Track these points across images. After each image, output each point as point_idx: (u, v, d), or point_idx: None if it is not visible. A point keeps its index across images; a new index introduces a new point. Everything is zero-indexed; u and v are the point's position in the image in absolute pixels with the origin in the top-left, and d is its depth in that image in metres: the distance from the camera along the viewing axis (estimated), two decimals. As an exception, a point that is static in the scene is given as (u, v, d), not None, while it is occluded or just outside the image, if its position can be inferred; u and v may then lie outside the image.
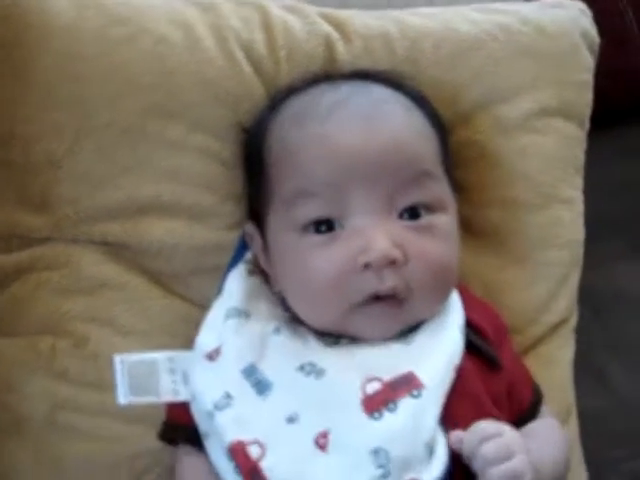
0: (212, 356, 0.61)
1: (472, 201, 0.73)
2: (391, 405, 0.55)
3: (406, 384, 0.56)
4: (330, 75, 0.68)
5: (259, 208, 0.66)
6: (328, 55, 0.71)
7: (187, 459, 0.60)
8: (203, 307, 0.67)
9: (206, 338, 0.62)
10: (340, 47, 0.71)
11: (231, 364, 0.60)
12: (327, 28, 0.72)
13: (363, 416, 0.55)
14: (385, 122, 0.60)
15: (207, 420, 0.58)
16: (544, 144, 0.74)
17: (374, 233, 0.57)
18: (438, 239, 0.60)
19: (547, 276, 0.73)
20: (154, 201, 0.68)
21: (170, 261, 0.68)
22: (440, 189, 0.62)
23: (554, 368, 0.73)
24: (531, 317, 0.72)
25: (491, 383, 0.61)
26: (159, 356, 0.62)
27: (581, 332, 0.77)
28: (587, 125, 0.77)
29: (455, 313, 0.62)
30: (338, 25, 0.73)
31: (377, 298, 0.58)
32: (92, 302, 0.66)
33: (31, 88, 0.66)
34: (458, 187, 0.71)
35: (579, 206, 0.76)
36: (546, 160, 0.74)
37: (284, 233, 0.61)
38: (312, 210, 0.60)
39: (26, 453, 0.63)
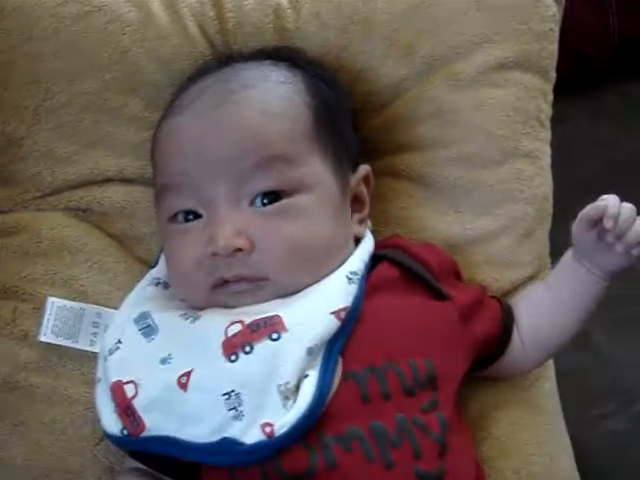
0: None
1: (430, 158, 0.72)
2: (247, 347, 0.56)
3: (267, 326, 0.56)
4: (230, 57, 0.68)
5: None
6: (277, 23, 0.71)
7: None
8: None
9: (128, 309, 0.64)
10: (289, 14, 0.71)
11: (126, 314, 0.63)
12: (277, -4, 0.72)
13: (221, 358, 0.56)
14: (235, 110, 0.61)
15: (102, 365, 0.62)
16: (503, 97, 0.72)
17: (220, 223, 0.59)
18: (293, 220, 0.60)
19: (510, 231, 0.71)
20: (117, 175, 0.71)
21: (131, 222, 0.70)
22: (297, 171, 0.61)
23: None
24: (494, 272, 0.71)
25: (437, 313, 0.62)
26: (88, 308, 0.66)
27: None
28: (553, 76, 0.75)
29: (348, 264, 0.62)
30: (289, -8, 0.73)
31: (228, 281, 0.60)
32: (51, 265, 0.68)
33: (-14, 69, 0.69)
34: (415, 145, 0.72)
35: (544, 159, 0.73)
36: (505, 114, 0.72)
37: (160, 221, 0.65)
38: (176, 203, 0.62)
39: (-13, 416, 0.66)
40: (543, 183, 0.73)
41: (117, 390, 0.58)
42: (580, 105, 0.78)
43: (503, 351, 0.67)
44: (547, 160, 0.74)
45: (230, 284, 0.60)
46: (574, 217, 0.64)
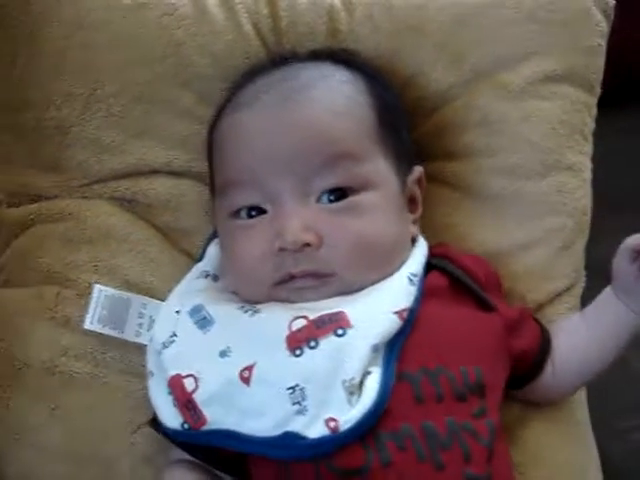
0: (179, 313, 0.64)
1: (474, 167, 0.73)
2: (312, 342, 0.56)
3: (332, 322, 0.57)
4: (286, 57, 0.68)
5: (210, 193, 0.69)
6: (330, 25, 0.72)
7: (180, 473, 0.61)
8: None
9: (176, 301, 0.65)
10: (342, 17, 0.72)
11: (175, 307, 0.64)
12: (332, -2, 0.73)
13: (285, 352, 0.57)
14: (300, 107, 0.62)
15: (156, 358, 0.62)
16: (549, 110, 0.72)
17: (288, 218, 0.60)
18: (360, 217, 0.61)
19: (549, 242, 0.72)
20: (164, 167, 0.72)
21: (176, 216, 0.71)
22: (363, 169, 0.62)
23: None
24: (531, 283, 0.72)
25: (484, 324, 0.63)
26: (134, 298, 0.66)
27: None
28: (598, 90, 0.75)
29: (409, 265, 0.62)
30: (343, -6, 0.73)
31: (294, 277, 0.60)
32: (96, 252, 0.69)
33: (41, 56, 0.70)
34: (460, 153, 0.73)
35: (586, 173, 0.74)
36: (550, 126, 0.72)
37: (220, 217, 0.65)
38: (239, 198, 0.63)
39: (28, 400, 0.66)
40: (583, 196, 0.74)
41: (176, 384, 0.59)
42: (619, 120, 0.79)
43: (537, 373, 0.67)
44: (588, 174, 0.75)
45: (295, 280, 0.60)
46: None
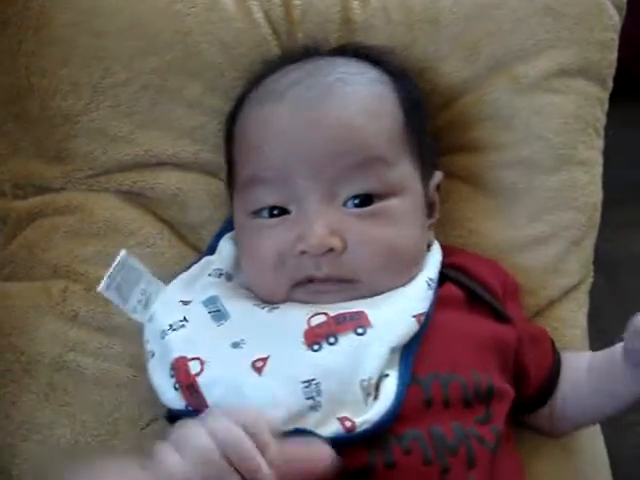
0: (186, 304, 0.62)
1: (486, 161, 0.72)
2: (332, 339, 0.55)
3: (352, 320, 0.56)
4: (315, 50, 0.67)
5: (228, 187, 0.68)
6: (344, 15, 0.71)
7: None
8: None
9: (181, 290, 0.63)
10: (356, 6, 0.71)
11: (195, 298, 0.62)
12: (345, -13, 0.71)
13: (302, 346, 0.55)
14: (335, 105, 0.60)
15: (158, 339, 0.59)
16: (562, 104, 0.72)
17: (313, 221, 0.58)
18: (387, 224, 0.59)
19: (559, 238, 0.72)
20: (171, 158, 0.70)
21: (184, 210, 0.70)
22: (393, 174, 0.60)
23: (567, 331, 0.72)
24: (541, 278, 0.71)
25: (499, 333, 0.62)
26: (145, 273, 0.63)
27: (593, 298, 0.76)
28: (610, 85, 0.75)
29: (427, 270, 0.62)
30: (356, -16, 0.72)
31: (314, 280, 0.59)
32: (104, 246, 0.68)
33: (50, 42, 0.68)
34: (471, 147, 0.72)
35: (597, 168, 0.74)
36: (564, 121, 0.72)
37: (240, 214, 0.63)
38: (263, 197, 0.61)
39: (36, 396, 0.65)
40: (594, 192, 0.74)
41: (180, 367, 0.56)
42: (617, 113, 0.78)
43: (541, 401, 0.66)
44: (599, 169, 0.75)
45: (315, 283, 0.59)
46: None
